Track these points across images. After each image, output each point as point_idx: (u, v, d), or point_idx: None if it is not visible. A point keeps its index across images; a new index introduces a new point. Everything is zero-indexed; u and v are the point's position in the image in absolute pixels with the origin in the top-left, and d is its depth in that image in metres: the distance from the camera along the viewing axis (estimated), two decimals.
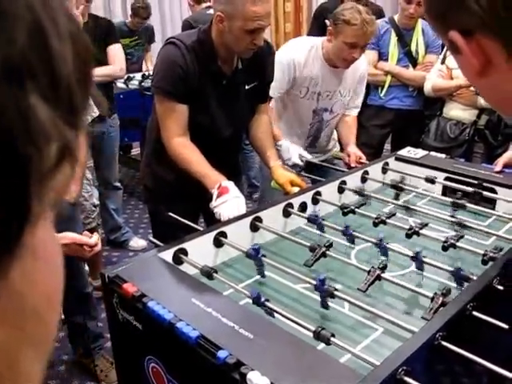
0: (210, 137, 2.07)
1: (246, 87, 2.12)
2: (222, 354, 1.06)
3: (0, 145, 0.25)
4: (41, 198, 0.28)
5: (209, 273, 1.44)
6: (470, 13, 0.55)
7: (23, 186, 0.27)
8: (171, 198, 2.14)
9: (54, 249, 0.33)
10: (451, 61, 2.92)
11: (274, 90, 2.46)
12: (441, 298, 1.27)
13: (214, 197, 1.84)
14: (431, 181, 2.14)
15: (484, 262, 1.50)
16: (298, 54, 2.50)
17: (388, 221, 1.76)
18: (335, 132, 2.86)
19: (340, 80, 2.59)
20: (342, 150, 3.11)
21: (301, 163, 2.42)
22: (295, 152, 2.42)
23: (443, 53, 3.01)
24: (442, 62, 2.98)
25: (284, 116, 2.64)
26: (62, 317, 2.67)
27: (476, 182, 2.05)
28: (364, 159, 2.52)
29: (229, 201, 1.81)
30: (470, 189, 2.03)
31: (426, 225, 1.71)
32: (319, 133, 2.73)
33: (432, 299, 1.29)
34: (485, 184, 2.04)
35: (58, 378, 2.60)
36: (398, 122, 3.48)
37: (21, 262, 0.28)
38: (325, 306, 1.38)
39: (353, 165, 2.48)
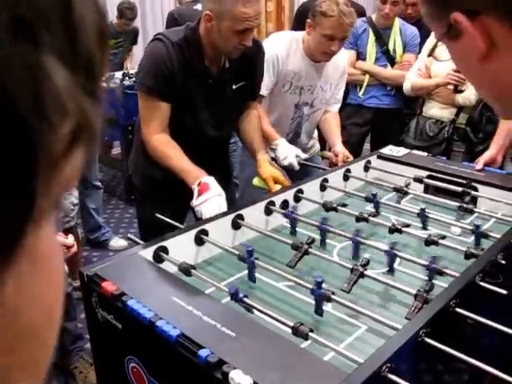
0: (196, 137, 2.04)
1: (234, 87, 2.10)
2: (203, 352, 1.04)
3: (3, 116, 0.20)
4: (49, 188, 0.23)
5: (187, 269, 1.42)
6: None
7: (30, 173, 0.21)
8: (159, 196, 2.12)
9: (55, 253, 0.27)
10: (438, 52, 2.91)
11: (263, 87, 2.44)
12: (424, 295, 1.27)
13: (195, 195, 1.81)
14: (419, 180, 2.14)
15: (467, 258, 1.50)
16: (279, 48, 2.47)
17: (370, 219, 1.75)
18: (316, 131, 2.85)
19: (321, 74, 2.58)
20: (323, 149, 3.10)
21: (296, 164, 2.35)
22: (292, 151, 2.37)
23: (430, 46, 3.00)
24: (429, 55, 2.97)
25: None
26: None
27: (459, 180, 2.05)
28: (351, 159, 2.50)
29: (210, 199, 1.78)
30: (452, 187, 2.03)
31: (409, 225, 1.71)
32: (300, 128, 2.71)
33: (415, 297, 1.28)
34: (466, 182, 2.04)
35: None
36: (376, 121, 3.49)
37: (18, 268, 0.23)
38: (319, 312, 1.32)
39: (340, 164, 2.47)
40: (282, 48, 2.48)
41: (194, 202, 1.81)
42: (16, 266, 0.23)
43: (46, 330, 0.27)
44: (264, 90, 2.47)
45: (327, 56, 2.44)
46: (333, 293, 1.31)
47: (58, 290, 0.28)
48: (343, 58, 2.67)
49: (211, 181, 1.85)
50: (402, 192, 2.02)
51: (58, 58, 0.22)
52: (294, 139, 2.72)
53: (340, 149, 2.56)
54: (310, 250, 1.52)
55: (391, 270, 1.51)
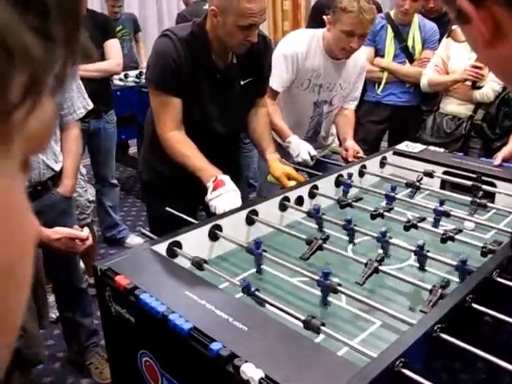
0: (205, 132, 2.03)
1: (242, 82, 2.09)
2: (215, 346, 1.03)
3: None
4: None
5: (199, 263, 1.42)
6: None
7: None
8: (169, 192, 2.11)
9: (14, 206, 0.24)
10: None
11: (279, 84, 2.45)
12: (439, 291, 1.25)
13: (210, 190, 1.81)
14: (429, 175, 2.11)
15: (483, 254, 1.48)
16: (300, 46, 2.47)
17: (386, 214, 1.74)
18: (334, 127, 2.83)
19: (340, 72, 2.56)
20: (340, 144, 3.07)
21: (309, 160, 2.34)
22: (305, 148, 2.36)
23: (446, 43, 2.99)
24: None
25: (285, 110, 2.61)
26: (58, 314, 2.65)
27: (475, 175, 2.02)
28: (362, 154, 2.48)
29: (224, 194, 1.78)
30: (468, 183, 2.00)
31: (424, 219, 1.69)
32: (319, 126, 2.71)
33: (431, 292, 1.26)
34: (484, 178, 2.01)
35: (53, 375, 2.57)
36: (394, 118, 3.45)
37: None
38: (325, 302, 1.34)
39: (350, 159, 2.45)
40: (303, 46, 2.48)
41: (209, 196, 1.80)
42: None
43: (7, 289, 0.23)
44: (279, 87, 2.46)
45: (346, 53, 2.42)
46: (339, 284, 1.30)
47: (21, 247, 0.24)
48: (362, 55, 2.65)
49: (226, 178, 1.84)
50: (414, 187, 2.00)
51: None
52: (313, 137, 2.71)
53: (351, 144, 2.54)
54: (324, 245, 1.51)
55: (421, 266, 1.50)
